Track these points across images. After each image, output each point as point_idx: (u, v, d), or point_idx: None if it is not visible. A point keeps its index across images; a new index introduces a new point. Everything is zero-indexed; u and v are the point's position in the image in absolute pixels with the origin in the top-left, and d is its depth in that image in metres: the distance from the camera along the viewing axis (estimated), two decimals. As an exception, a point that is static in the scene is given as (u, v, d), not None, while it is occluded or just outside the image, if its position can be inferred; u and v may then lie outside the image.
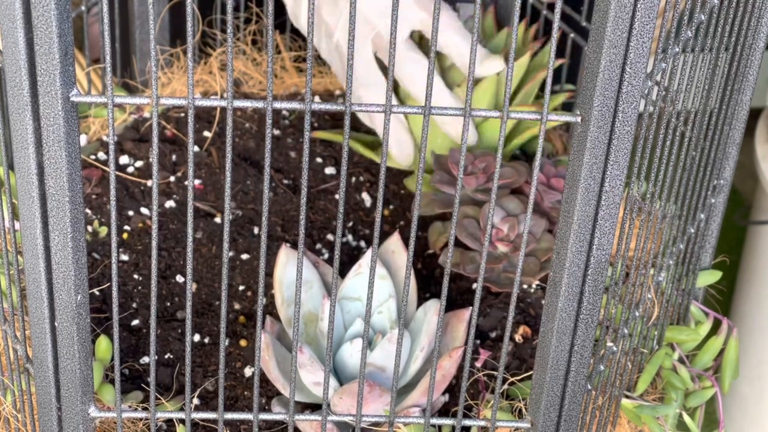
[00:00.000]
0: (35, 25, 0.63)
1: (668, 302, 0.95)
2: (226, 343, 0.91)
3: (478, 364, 0.91)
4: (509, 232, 0.98)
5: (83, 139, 1.13)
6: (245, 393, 0.91)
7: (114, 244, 0.68)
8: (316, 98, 1.22)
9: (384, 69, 1.07)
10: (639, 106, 0.66)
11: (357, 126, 1.15)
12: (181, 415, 0.75)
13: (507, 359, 0.88)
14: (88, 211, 1.05)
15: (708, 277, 1.03)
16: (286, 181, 1.11)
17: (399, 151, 1.08)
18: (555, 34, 0.63)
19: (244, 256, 1.03)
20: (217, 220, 1.06)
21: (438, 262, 1.03)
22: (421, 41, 1.10)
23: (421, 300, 0.96)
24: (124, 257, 1.01)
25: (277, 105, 0.65)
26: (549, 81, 0.64)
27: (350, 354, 0.88)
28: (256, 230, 1.06)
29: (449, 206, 1.01)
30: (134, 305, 0.97)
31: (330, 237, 1.06)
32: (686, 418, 0.93)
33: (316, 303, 0.92)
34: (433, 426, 0.86)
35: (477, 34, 0.62)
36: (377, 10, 1.06)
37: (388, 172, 1.12)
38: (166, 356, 0.93)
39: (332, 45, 1.09)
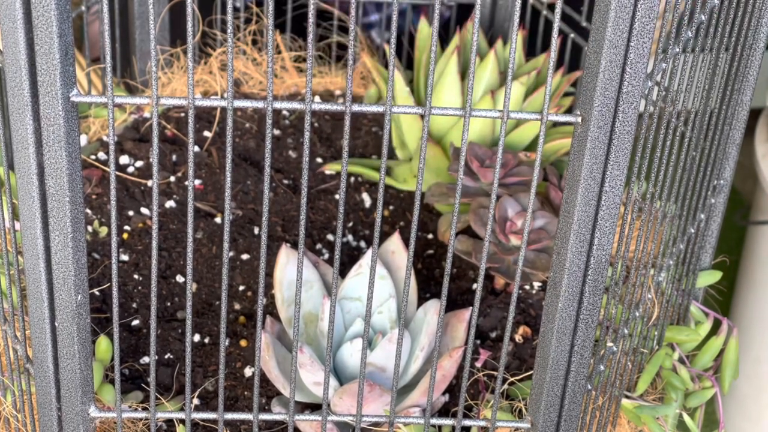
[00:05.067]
0: (35, 25, 0.63)
1: (668, 302, 0.95)
2: (226, 343, 0.91)
3: (478, 364, 0.91)
4: (523, 226, 0.98)
5: (83, 139, 1.13)
6: (245, 393, 0.91)
7: (114, 244, 0.68)
8: (316, 98, 1.22)
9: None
10: (639, 106, 0.66)
11: (368, 153, 1.15)
12: (181, 415, 0.75)
13: (507, 359, 0.88)
14: (88, 211, 1.05)
15: (708, 277, 1.03)
16: (286, 181, 1.11)
17: None
18: (555, 34, 0.63)
19: (245, 256, 1.03)
20: (217, 220, 1.06)
21: (441, 258, 1.03)
22: None
23: (421, 300, 0.96)
24: (124, 257, 1.01)
25: (277, 105, 0.65)
26: (549, 80, 0.64)
27: (350, 354, 0.88)
28: (256, 230, 1.06)
29: (464, 197, 1.01)
30: (134, 305, 0.97)
31: (330, 237, 1.06)
32: (686, 418, 0.93)
33: (316, 303, 0.92)
34: (433, 426, 0.86)
35: (477, 34, 0.62)
36: None
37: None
38: (166, 356, 0.93)
39: None
